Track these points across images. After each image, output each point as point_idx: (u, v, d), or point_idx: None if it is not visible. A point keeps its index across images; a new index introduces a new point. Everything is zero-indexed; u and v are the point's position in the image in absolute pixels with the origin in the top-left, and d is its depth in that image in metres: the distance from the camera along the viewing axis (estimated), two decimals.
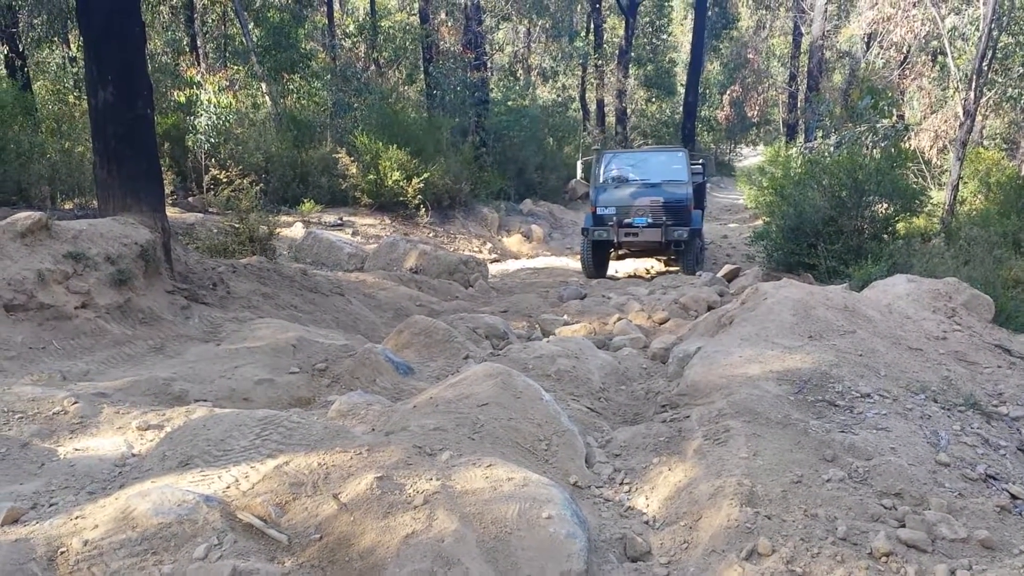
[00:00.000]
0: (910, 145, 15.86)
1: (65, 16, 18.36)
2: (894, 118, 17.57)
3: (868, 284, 7.55)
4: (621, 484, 3.94)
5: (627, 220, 14.60)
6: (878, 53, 24.15)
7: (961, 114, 14.03)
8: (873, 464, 3.68)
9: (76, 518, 3.25)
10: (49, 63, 21.59)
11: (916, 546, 3.09)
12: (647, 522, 3.56)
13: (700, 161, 17.24)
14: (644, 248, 15.69)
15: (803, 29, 38.01)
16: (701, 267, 14.92)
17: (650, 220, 14.49)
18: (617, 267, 16.47)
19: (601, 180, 15.76)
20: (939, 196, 14.36)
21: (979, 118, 15.51)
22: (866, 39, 27.01)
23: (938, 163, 16.84)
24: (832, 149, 16.33)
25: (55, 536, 3.13)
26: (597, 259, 15.28)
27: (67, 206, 13.54)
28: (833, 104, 24.95)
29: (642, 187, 15.20)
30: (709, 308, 9.25)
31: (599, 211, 14.97)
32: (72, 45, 20.93)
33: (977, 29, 16.16)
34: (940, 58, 20.45)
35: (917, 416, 4.37)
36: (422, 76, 28.06)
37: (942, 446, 4.01)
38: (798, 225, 12.11)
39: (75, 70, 19.66)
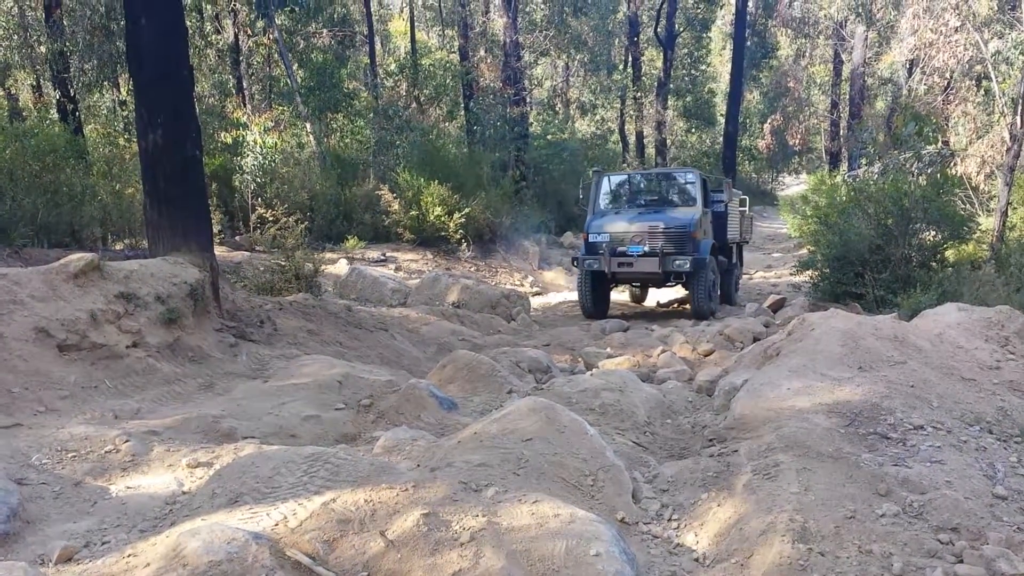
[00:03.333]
0: (956, 171, 15.60)
1: (115, 61, 18.87)
2: (939, 144, 17.33)
3: (917, 313, 7.41)
4: (669, 520, 3.89)
5: (621, 248, 12.99)
6: (920, 79, 23.89)
7: (1008, 139, 13.80)
8: (928, 498, 3.60)
9: (128, 556, 3.29)
10: (100, 107, 22.18)
11: None
12: (697, 559, 3.51)
13: (719, 188, 15.64)
14: (642, 281, 14.38)
15: (843, 57, 37.89)
16: (715, 306, 13.36)
17: (646, 248, 12.86)
18: (659, 297, 16.18)
19: (599, 205, 14.39)
20: (988, 223, 14.08)
21: None
22: (908, 65, 26.78)
23: (986, 189, 16.53)
24: (877, 176, 16.12)
25: (108, 575, 3.17)
26: (596, 295, 13.72)
27: (118, 247, 13.84)
28: (876, 131, 24.72)
29: (642, 212, 13.71)
30: (755, 339, 9.16)
31: (591, 238, 13.47)
32: (122, 89, 21.51)
33: (1021, 53, 15.94)
34: (984, 83, 20.20)
35: (972, 448, 4.27)
36: (462, 112, 28.38)
37: (999, 479, 3.91)
38: (844, 254, 11.95)
39: (125, 113, 20.17)
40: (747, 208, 17.28)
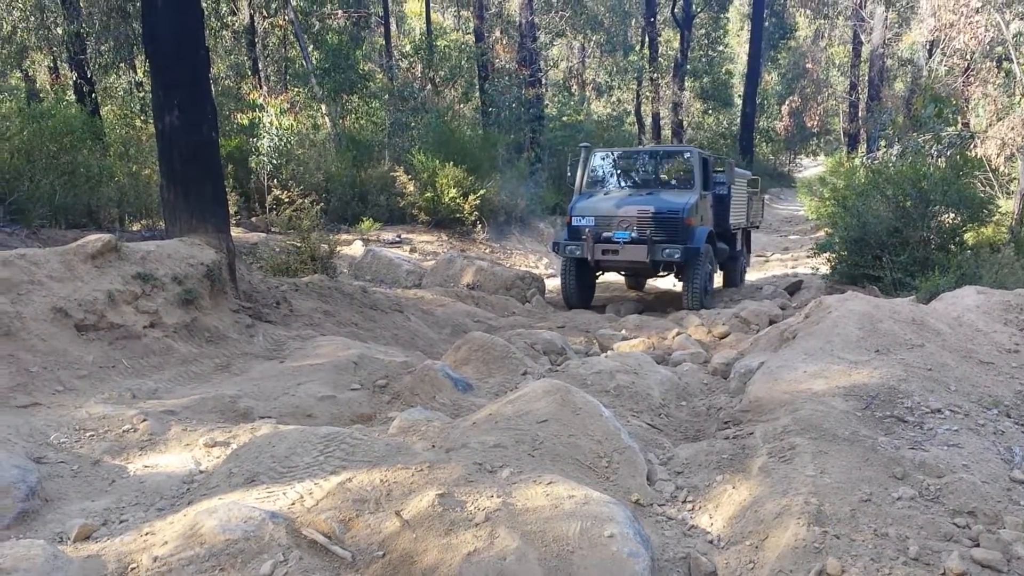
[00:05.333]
0: (976, 153, 15.46)
1: (131, 43, 18.94)
2: (959, 126, 17.17)
3: (936, 296, 7.37)
4: (684, 502, 3.89)
5: (606, 234, 11.91)
6: (941, 60, 23.66)
7: None
8: (945, 482, 3.58)
9: (146, 535, 3.32)
10: (116, 88, 22.25)
11: (991, 566, 2.99)
12: (711, 541, 3.50)
13: (720, 169, 14.32)
14: (628, 270, 13.30)
15: (863, 38, 37.49)
16: (709, 301, 12.24)
17: (634, 235, 11.76)
18: (675, 281, 15.91)
19: (585, 184, 13.27)
20: (1007, 205, 13.97)
21: None
22: (928, 46, 26.51)
23: (1006, 171, 16.38)
24: (895, 158, 15.98)
25: (125, 552, 3.19)
26: (580, 283, 12.74)
27: (135, 228, 13.91)
28: (895, 113, 24.52)
29: (632, 194, 12.56)
30: (771, 322, 9.12)
31: (574, 221, 12.39)
32: (138, 70, 21.57)
33: None
34: (1005, 64, 19.97)
35: (990, 432, 4.24)
36: (477, 94, 28.32)
37: (1016, 463, 3.89)
38: (862, 236, 11.87)
39: (142, 95, 20.25)
40: (758, 189, 16.22)
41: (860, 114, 38.44)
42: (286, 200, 12.47)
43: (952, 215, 11.72)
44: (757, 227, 17.50)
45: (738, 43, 48.60)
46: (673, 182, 12.88)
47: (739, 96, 40.50)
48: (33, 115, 13.30)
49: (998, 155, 15.94)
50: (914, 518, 3.30)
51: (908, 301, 6.67)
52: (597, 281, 13.57)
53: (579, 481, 3.57)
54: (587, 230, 11.98)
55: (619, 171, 13.48)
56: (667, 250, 11.48)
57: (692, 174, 12.63)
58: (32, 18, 19.30)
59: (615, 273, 14.08)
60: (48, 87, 21.32)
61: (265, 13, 23.69)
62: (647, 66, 37.67)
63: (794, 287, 13.27)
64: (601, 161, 13.59)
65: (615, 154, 13.88)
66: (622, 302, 12.62)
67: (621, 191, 12.85)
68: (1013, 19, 17.80)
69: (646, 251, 11.57)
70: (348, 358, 6.60)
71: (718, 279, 14.45)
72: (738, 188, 14.44)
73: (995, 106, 19.45)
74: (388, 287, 12.81)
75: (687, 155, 13.11)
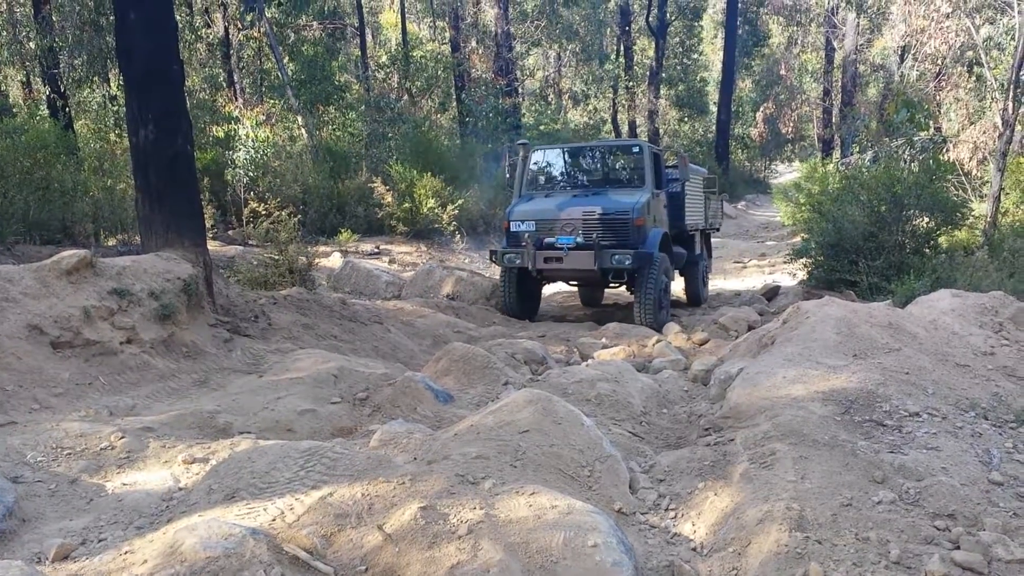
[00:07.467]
0: (949, 157, 15.64)
1: (105, 56, 18.78)
2: (931, 130, 17.36)
3: (912, 300, 7.43)
4: (666, 510, 3.89)
5: (548, 240, 10.75)
6: (912, 65, 23.93)
7: (1000, 124, 13.82)
8: (924, 485, 3.61)
9: (125, 553, 3.28)
10: (90, 102, 22.06)
11: (972, 568, 3.02)
12: (694, 549, 3.51)
13: (672, 165, 13.01)
14: (575, 279, 12.07)
15: (835, 44, 37.87)
16: (665, 315, 10.94)
17: (579, 240, 10.58)
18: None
19: (524, 186, 12.08)
20: (981, 208, 14.12)
21: (1018, 128, 15.29)
22: (900, 52, 26.82)
23: (978, 175, 16.58)
24: (869, 163, 16.13)
25: (105, 572, 3.16)
26: (523, 294, 11.65)
27: (110, 243, 13.78)
28: (869, 118, 24.77)
29: (577, 194, 11.41)
30: (750, 328, 9.17)
31: (513, 227, 11.20)
32: (112, 84, 21.41)
33: (1012, 38, 15.97)
34: (976, 69, 20.23)
35: (967, 434, 4.28)
36: (454, 104, 28.37)
37: (994, 464, 3.92)
38: (838, 241, 11.96)
39: (116, 109, 20.10)
40: (715, 189, 15.22)
41: (834, 120, 38.79)
42: (263, 213, 12.39)
43: (926, 219, 11.83)
44: (717, 230, 16.39)
45: (712, 51, 48.95)
46: (620, 180, 11.72)
47: (714, 103, 40.87)
48: (6, 130, 13.19)
49: (970, 159, 16.15)
50: (895, 522, 3.32)
51: (884, 305, 6.73)
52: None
53: (562, 491, 3.57)
54: (527, 236, 10.94)
55: (562, 170, 12.31)
56: (617, 256, 10.39)
57: (642, 171, 11.46)
58: (4, 32, 19.14)
59: (564, 284, 13.07)
60: (21, 102, 21.13)
61: (240, 25, 23.58)
62: (623, 74, 37.95)
63: (772, 293, 13.34)
64: (541, 159, 12.39)
65: (556, 151, 12.61)
66: (602, 306, 12.62)
67: (565, 192, 11.75)
68: (983, 24, 18.06)
69: (593, 257, 10.46)
70: (328, 371, 6.56)
71: (679, 286, 13.64)
72: (694, 185, 13.39)
73: (967, 110, 19.69)
74: (367, 299, 12.75)
75: (636, 149, 11.94)
